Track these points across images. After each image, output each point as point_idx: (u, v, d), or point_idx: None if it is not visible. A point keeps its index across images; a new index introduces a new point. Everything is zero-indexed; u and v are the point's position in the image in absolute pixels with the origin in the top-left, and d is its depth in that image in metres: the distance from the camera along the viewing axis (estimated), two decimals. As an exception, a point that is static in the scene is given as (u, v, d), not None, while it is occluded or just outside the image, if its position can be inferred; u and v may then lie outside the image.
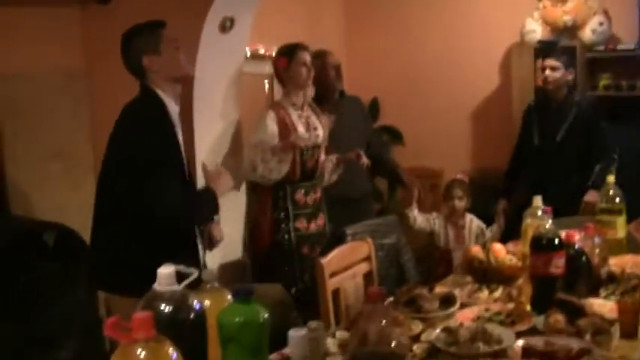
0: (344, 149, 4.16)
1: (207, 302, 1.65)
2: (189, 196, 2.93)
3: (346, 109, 4.52)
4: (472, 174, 5.86)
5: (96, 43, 4.55)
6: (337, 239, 3.49)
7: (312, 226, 3.96)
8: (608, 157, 4.45)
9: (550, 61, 4.61)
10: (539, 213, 2.79)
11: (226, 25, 3.91)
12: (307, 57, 3.94)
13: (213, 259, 3.84)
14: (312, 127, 3.98)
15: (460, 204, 4.24)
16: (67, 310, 3.22)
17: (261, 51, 5.68)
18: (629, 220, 4.07)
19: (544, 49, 5.05)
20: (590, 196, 4.38)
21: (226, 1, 3.84)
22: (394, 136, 6.53)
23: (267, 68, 5.34)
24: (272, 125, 3.82)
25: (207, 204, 2.94)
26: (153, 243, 2.73)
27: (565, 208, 3.39)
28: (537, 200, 3.11)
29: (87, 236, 3.07)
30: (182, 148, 2.97)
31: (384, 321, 2.30)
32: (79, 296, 3.28)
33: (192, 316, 1.50)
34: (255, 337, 1.54)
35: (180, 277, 1.54)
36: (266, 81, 5.97)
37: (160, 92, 2.92)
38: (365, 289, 3.13)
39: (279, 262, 3.89)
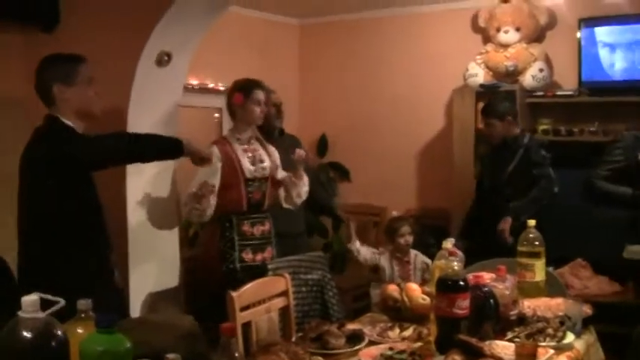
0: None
1: (79, 331, 1.66)
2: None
3: (285, 146, 4.56)
4: (414, 212, 5.94)
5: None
6: (259, 273, 3.51)
7: (259, 258, 3.95)
8: (543, 190, 4.51)
9: (487, 120, 4.81)
10: (447, 254, 2.81)
11: (163, 59, 3.93)
12: (262, 96, 3.97)
13: (146, 285, 3.87)
14: (259, 160, 4.00)
15: (409, 239, 4.26)
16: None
17: (210, 85, 5.74)
18: (558, 261, 4.17)
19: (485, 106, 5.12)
20: (503, 223, 4.49)
21: (164, 35, 3.86)
22: (341, 172, 6.59)
23: (219, 101, 5.40)
24: (215, 162, 3.82)
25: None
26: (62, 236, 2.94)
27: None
28: (530, 223, 3.29)
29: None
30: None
31: (282, 355, 2.34)
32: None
33: (54, 343, 1.50)
34: (116, 367, 1.54)
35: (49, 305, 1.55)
36: (216, 114, 6.03)
37: (65, 121, 3.00)
38: (280, 323, 3.15)
39: (224, 292, 3.87)
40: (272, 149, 4.12)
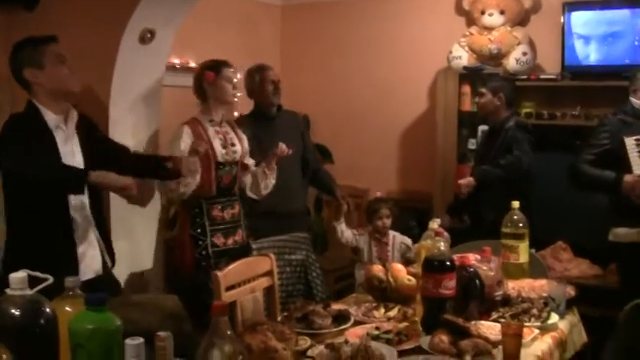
0: (280, 163, 4.16)
1: (67, 309, 1.64)
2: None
3: (283, 123, 4.53)
4: (397, 195, 5.94)
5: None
6: (243, 253, 3.50)
7: (230, 242, 3.92)
8: (512, 159, 4.44)
9: (480, 89, 4.76)
10: (433, 235, 2.82)
11: (146, 37, 3.90)
12: (231, 74, 3.93)
13: (120, 269, 3.83)
14: (230, 144, 3.95)
15: (387, 222, 4.27)
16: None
17: (192, 64, 5.68)
18: (539, 243, 4.18)
19: (477, 76, 5.14)
20: (462, 180, 4.54)
21: (147, 12, 3.83)
22: (323, 154, 6.55)
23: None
24: (186, 140, 3.77)
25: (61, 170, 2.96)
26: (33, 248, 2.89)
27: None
28: (515, 204, 3.30)
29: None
30: (62, 158, 2.98)
31: (269, 334, 2.33)
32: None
33: (42, 321, 1.48)
34: (105, 345, 1.52)
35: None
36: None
37: (40, 106, 2.98)
38: (265, 303, 3.15)
39: (199, 277, 3.86)
40: (242, 134, 4.07)
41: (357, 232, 4.38)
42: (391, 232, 4.31)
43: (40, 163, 2.89)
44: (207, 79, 3.89)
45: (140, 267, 4.02)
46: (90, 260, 3.07)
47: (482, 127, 5.21)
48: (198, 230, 3.82)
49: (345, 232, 4.31)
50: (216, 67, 3.92)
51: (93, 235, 3.10)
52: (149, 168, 3.38)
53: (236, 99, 4.04)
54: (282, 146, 4.06)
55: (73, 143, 3.06)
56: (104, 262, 3.16)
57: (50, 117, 2.99)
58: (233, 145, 3.95)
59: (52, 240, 2.96)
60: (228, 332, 1.59)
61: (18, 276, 1.47)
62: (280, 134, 4.31)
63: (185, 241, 3.84)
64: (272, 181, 4.12)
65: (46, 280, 1.55)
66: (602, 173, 3.96)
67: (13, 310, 1.46)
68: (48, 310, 1.51)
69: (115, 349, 1.54)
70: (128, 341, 1.53)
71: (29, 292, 1.48)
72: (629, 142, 3.90)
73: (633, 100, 4.03)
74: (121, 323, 1.58)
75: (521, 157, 4.39)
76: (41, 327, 1.48)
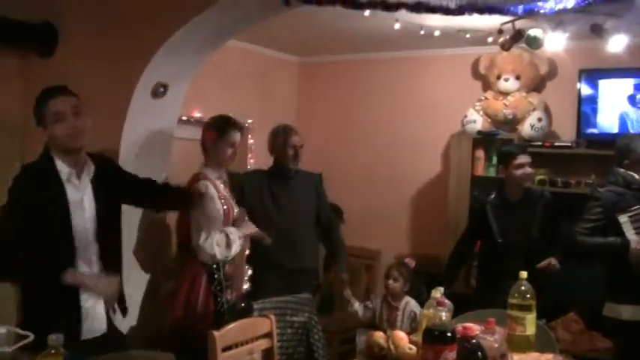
0: (293, 224, 4.21)
1: (49, 367, 1.60)
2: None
3: (298, 184, 4.52)
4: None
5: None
6: (244, 313, 3.44)
7: (233, 296, 3.89)
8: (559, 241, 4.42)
9: (525, 158, 4.51)
10: (435, 303, 2.74)
11: (159, 91, 3.90)
12: (237, 137, 3.89)
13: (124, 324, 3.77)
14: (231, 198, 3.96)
15: (394, 285, 4.23)
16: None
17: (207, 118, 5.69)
18: (549, 314, 4.09)
19: (481, 142, 5.09)
20: (546, 261, 4.31)
21: (161, 66, 3.84)
22: (334, 212, 6.51)
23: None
24: (215, 195, 3.76)
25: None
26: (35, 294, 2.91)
27: None
28: (522, 274, 3.18)
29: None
30: (70, 207, 2.99)
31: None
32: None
33: (21, 379, 1.44)
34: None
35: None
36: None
37: (54, 156, 3.02)
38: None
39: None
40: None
41: (371, 296, 4.37)
42: (406, 298, 4.27)
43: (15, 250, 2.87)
44: (208, 138, 3.86)
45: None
46: (93, 319, 3.04)
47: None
48: (218, 287, 3.78)
49: (359, 310, 4.29)
50: (221, 128, 3.86)
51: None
52: (175, 197, 3.53)
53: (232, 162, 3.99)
54: (266, 238, 4.09)
55: (85, 195, 3.06)
56: (110, 317, 3.15)
57: (63, 168, 3.01)
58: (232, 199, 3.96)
59: (58, 296, 2.92)
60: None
61: (-4, 333, 1.43)
62: (297, 193, 4.31)
63: (195, 296, 3.77)
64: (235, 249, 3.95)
65: (26, 337, 1.50)
66: (606, 240, 3.92)
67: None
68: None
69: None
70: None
71: (8, 349, 1.44)
72: (624, 219, 3.87)
73: (626, 172, 3.99)
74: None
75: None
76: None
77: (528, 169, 4.50)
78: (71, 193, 3.00)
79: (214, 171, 3.88)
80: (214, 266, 3.79)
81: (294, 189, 4.43)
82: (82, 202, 3.03)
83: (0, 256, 2.86)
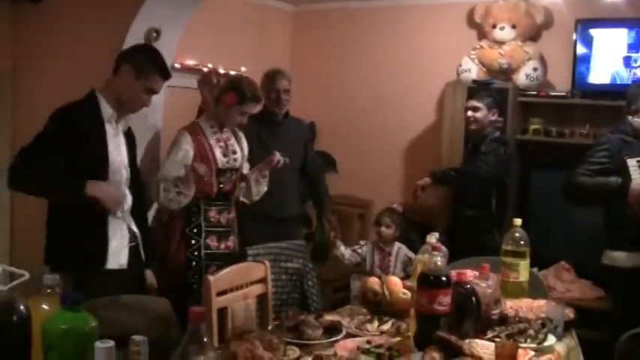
0: (280, 171, 4.13)
1: (45, 307, 1.59)
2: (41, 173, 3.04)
3: (287, 130, 4.56)
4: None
5: (24, 42, 4.47)
6: (238, 259, 3.45)
7: (222, 246, 3.89)
8: (474, 167, 4.55)
9: (472, 102, 4.73)
10: (430, 249, 2.75)
11: (152, 36, 3.86)
12: (254, 110, 3.91)
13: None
14: (231, 151, 3.91)
15: (387, 231, 4.28)
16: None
17: (200, 66, 5.64)
18: (541, 262, 4.12)
19: (473, 90, 5.09)
20: (421, 180, 4.62)
21: (153, 11, 3.79)
22: (328, 162, 6.51)
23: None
24: (186, 148, 3.74)
25: (58, 184, 3.05)
26: (60, 221, 3.10)
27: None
28: (517, 221, 3.24)
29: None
30: (109, 143, 3.12)
31: (256, 343, 2.27)
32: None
33: (15, 318, 1.43)
34: (78, 347, 1.47)
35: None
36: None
37: (100, 97, 3.14)
38: (257, 311, 3.09)
39: (187, 278, 3.80)
40: (243, 139, 4.02)
41: (360, 243, 4.37)
42: (397, 244, 4.31)
43: (45, 170, 2.99)
44: (225, 100, 3.82)
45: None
46: (115, 252, 3.15)
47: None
48: (194, 230, 3.81)
49: (345, 253, 4.32)
50: (244, 97, 3.81)
51: (126, 230, 3.21)
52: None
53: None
54: (277, 156, 4.02)
55: (120, 141, 3.20)
56: (136, 257, 3.27)
57: (106, 109, 3.12)
58: (234, 152, 3.92)
59: (84, 227, 3.08)
60: (205, 340, 1.53)
61: (-8, 271, 1.42)
62: (285, 141, 4.31)
63: (178, 239, 3.81)
64: (264, 187, 4.12)
65: (22, 275, 1.50)
66: (607, 179, 3.89)
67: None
68: (22, 307, 1.46)
69: (88, 352, 1.48)
70: (98, 344, 1.47)
71: (3, 288, 1.43)
72: (632, 163, 3.83)
73: (633, 119, 3.97)
74: (95, 325, 1.52)
75: (481, 169, 4.47)
76: (13, 325, 1.43)
77: (470, 113, 4.70)
78: (110, 133, 3.12)
79: (213, 122, 3.87)
80: (193, 209, 3.80)
81: (284, 136, 4.43)
82: (118, 144, 3.17)
83: (32, 171, 3.01)
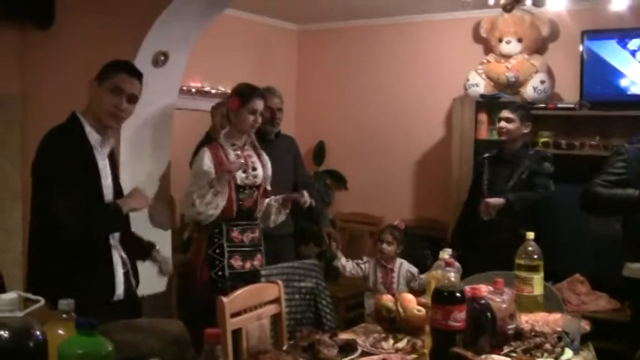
0: (274, 186, 4.11)
1: (60, 332, 1.59)
2: (93, 211, 2.95)
3: (279, 147, 4.55)
4: (411, 223, 5.86)
5: (33, 67, 4.51)
6: (251, 279, 3.44)
7: (248, 266, 3.87)
8: (541, 190, 4.54)
9: (505, 113, 4.70)
10: (444, 265, 2.74)
11: (159, 60, 3.87)
12: (260, 105, 3.86)
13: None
14: (251, 168, 3.91)
15: (389, 248, 4.26)
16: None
17: (207, 88, 5.68)
18: (556, 276, 4.08)
19: (494, 104, 5.11)
20: (492, 199, 4.49)
21: (161, 34, 3.81)
22: (338, 180, 6.53)
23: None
24: (208, 162, 3.75)
25: (108, 217, 2.99)
26: (68, 255, 2.90)
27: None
28: (529, 235, 3.22)
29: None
30: (101, 172, 3.01)
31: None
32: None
33: (31, 344, 1.43)
34: (95, 371, 1.47)
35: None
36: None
37: (83, 120, 3.00)
38: (272, 331, 3.08)
39: (213, 300, 3.79)
40: (266, 159, 4.02)
41: (363, 259, 4.37)
42: (399, 260, 4.30)
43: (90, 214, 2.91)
44: (231, 106, 3.84)
45: (153, 290, 3.97)
46: (120, 281, 3.08)
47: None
48: (217, 251, 3.79)
49: (347, 265, 4.32)
50: (245, 95, 3.83)
51: (118, 257, 3.09)
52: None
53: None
54: (305, 197, 4.05)
55: (105, 163, 3.08)
56: (128, 284, 3.15)
57: (91, 133, 3.00)
58: (254, 169, 3.91)
59: (97, 257, 3.00)
60: (220, 361, 1.53)
61: (8, 297, 1.42)
62: (278, 158, 4.29)
63: (199, 262, 3.81)
64: (282, 217, 4.14)
65: (37, 301, 1.50)
66: (625, 191, 3.79)
67: (1, 333, 1.41)
68: (38, 333, 1.46)
69: (105, 375, 1.48)
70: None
71: (19, 314, 1.43)
72: None
73: None
74: (111, 349, 1.52)
75: (550, 188, 4.51)
76: (30, 351, 1.43)
77: (503, 124, 4.67)
78: (98, 158, 3.02)
79: (235, 139, 3.88)
80: (215, 230, 3.81)
81: (276, 153, 4.41)
82: (105, 168, 3.05)
83: (69, 217, 2.86)
